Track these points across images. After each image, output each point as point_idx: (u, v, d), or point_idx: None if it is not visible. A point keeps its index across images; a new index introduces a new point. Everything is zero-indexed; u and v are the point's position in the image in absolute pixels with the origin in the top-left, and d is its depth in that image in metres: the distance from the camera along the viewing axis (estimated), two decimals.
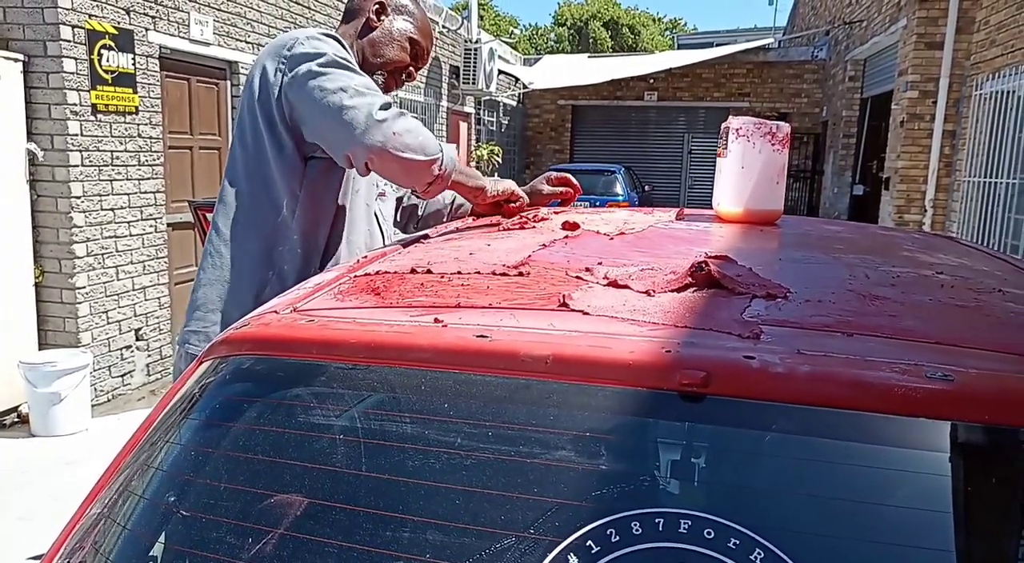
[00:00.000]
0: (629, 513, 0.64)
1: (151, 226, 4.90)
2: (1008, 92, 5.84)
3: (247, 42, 5.74)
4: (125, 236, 4.67)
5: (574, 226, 1.38)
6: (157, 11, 4.81)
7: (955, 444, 0.66)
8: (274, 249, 1.54)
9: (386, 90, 1.74)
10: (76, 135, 4.24)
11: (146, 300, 4.90)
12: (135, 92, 4.65)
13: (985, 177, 6.22)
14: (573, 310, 0.83)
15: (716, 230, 1.45)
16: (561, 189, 1.83)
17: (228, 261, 1.54)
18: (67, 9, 4.12)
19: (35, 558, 0.97)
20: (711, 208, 1.66)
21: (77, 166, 4.26)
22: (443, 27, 10.38)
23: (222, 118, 5.65)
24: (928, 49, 7.03)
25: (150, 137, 4.83)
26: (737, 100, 15.00)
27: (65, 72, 4.15)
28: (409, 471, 0.72)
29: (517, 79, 14.35)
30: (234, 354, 0.86)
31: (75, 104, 4.23)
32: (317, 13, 6.72)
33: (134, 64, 4.62)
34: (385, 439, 0.76)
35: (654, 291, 0.90)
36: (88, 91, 4.30)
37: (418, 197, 1.94)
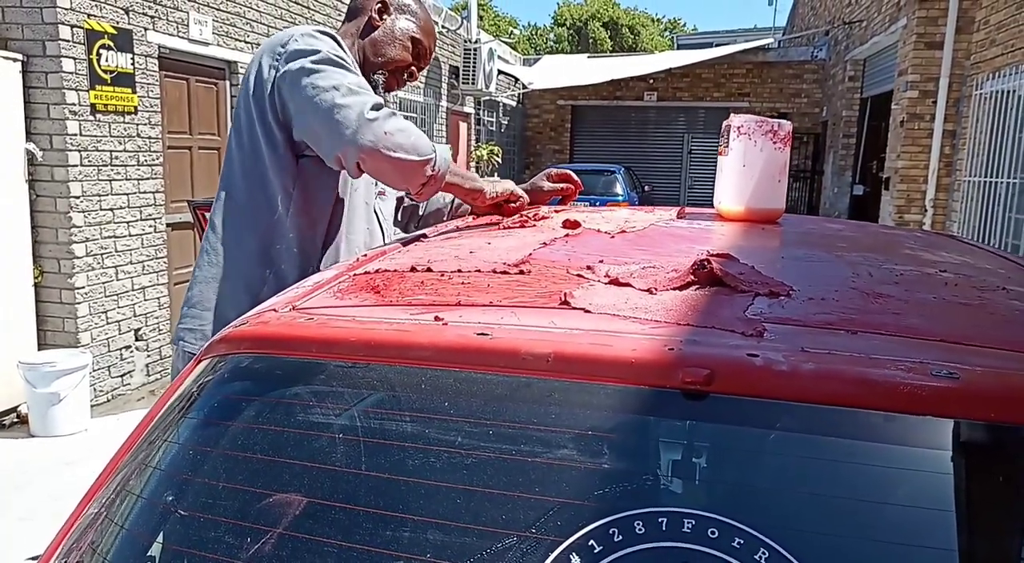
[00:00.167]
0: (632, 512, 0.63)
1: (150, 226, 4.89)
2: (1008, 92, 5.83)
3: (246, 42, 5.73)
4: (124, 236, 4.66)
5: (575, 224, 1.37)
6: (156, 11, 4.80)
7: (960, 442, 0.66)
8: (271, 247, 1.53)
9: (388, 90, 1.73)
10: (75, 135, 4.24)
11: (145, 300, 4.89)
12: (134, 92, 4.64)
13: (985, 177, 6.21)
14: (574, 308, 0.82)
15: (718, 228, 1.45)
16: (562, 186, 1.80)
17: (224, 259, 1.53)
18: (66, 9, 4.12)
19: (35, 558, 0.96)
20: (712, 207, 1.66)
21: (76, 166, 4.26)
22: (443, 27, 10.37)
23: (221, 118, 5.64)
24: (928, 49, 7.03)
25: (149, 137, 4.82)
26: (737, 100, 14.99)
27: (64, 72, 4.14)
28: (409, 470, 0.72)
29: (517, 79, 14.34)
30: (233, 352, 0.85)
31: (74, 104, 4.22)
32: (316, 13, 6.71)
33: (133, 64, 4.62)
34: (385, 438, 0.75)
35: (656, 289, 0.89)
36: (87, 91, 4.29)
37: (412, 200, 1.93)
